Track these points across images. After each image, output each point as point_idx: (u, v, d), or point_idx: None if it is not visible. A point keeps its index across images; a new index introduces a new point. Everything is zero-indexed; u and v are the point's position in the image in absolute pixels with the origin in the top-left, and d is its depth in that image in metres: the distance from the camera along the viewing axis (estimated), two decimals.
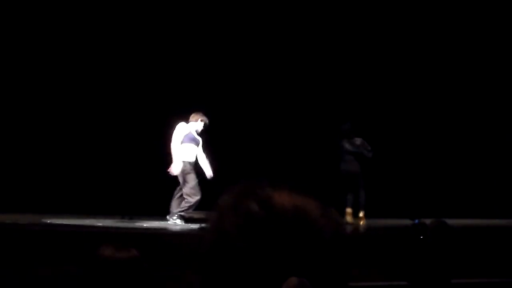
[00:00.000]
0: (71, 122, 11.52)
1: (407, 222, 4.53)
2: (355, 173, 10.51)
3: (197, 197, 8.76)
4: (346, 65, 12.84)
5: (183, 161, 8.91)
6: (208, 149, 9.45)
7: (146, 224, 9.12)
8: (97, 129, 11.50)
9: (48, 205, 10.25)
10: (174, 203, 9.01)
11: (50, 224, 8.32)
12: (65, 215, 9.47)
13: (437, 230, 4.11)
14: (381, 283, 6.31)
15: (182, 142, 8.99)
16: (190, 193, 8.82)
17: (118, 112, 11.50)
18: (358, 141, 10.58)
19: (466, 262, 5.67)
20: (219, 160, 9.50)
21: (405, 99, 13.09)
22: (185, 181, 8.87)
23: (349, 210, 10.38)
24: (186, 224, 8.77)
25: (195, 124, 9.19)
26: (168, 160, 9.04)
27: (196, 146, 9.10)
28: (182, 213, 8.86)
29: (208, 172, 9.03)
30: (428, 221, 4.33)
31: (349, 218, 10.29)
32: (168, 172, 8.87)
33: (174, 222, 8.84)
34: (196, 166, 9.08)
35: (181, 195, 8.94)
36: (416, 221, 4.20)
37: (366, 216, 10.51)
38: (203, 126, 9.24)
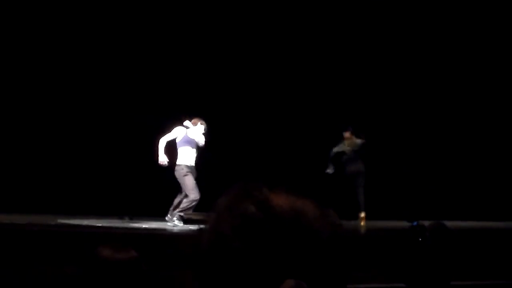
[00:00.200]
0: (72, 123, 11.52)
1: (406, 224, 4.53)
2: (360, 172, 10.67)
3: (196, 197, 8.81)
4: (346, 66, 12.85)
5: (180, 164, 8.99)
6: (208, 149, 9.47)
7: (145, 224, 9.15)
8: (97, 129, 11.50)
9: (48, 206, 10.25)
10: (173, 211, 9.07)
11: (50, 224, 8.31)
12: (64, 215, 9.47)
13: (435, 232, 4.11)
14: (380, 285, 6.31)
15: (178, 146, 9.10)
16: (189, 194, 8.89)
17: (118, 114, 11.51)
18: (359, 141, 10.74)
19: (465, 264, 5.67)
20: (217, 161, 9.51)
21: (404, 101, 13.10)
22: (183, 183, 8.95)
23: (363, 214, 10.55)
24: (185, 225, 8.79)
25: (195, 128, 9.23)
26: (169, 161, 9.14)
27: (193, 149, 9.15)
28: (181, 214, 8.90)
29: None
30: (426, 223, 4.33)
31: (363, 223, 10.45)
32: (159, 164, 9.05)
33: (173, 223, 8.86)
34: (195, 168, 9.15)
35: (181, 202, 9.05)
36: (415, 223, 4.20)
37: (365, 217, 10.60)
38: (204, 130, 9.28)
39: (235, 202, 0.95)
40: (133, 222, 9.42)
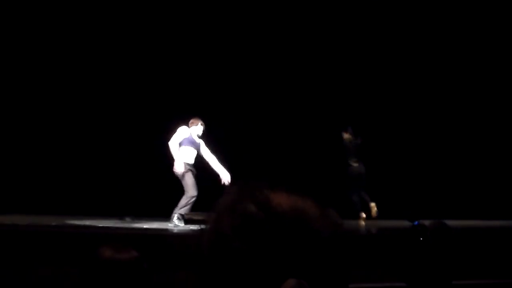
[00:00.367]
0: (72, 123, 11.53)
1: (407, 223, 4.52)
2: (363, 173, 10.70)
3: (194, 194, 8.99)
4: (346, 67, 12.85)
5: (185, 162, 9.12)
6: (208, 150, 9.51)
7: (146, 225, 9.16)
8: (99, 130, 11.51)
9: (49, 206, 10.26)
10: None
11: (51, 225, 8.32)
12: (65, 216, 9.48)
13: (437, 231, 4.11)
14: (381, 285, 6.31)
15: (181, 144, 9.22)
16: (187, 190, 9.07)
17: (120, 114, 11.52)
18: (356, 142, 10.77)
19: (467, 264, 5.67)
20: (218, 161, 9.53)
21: (404, 101, 13.10)
22: (183, 179, 9.11)
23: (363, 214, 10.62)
24: (186, 225, 8.82)
25: (196, 128, 9.39)
26: (169, 161, 9.14)
27: (195, 150, 9.32)
28: (181, 212, 8.98)
29: (223, 175, 9.15)
30: (427, 222, 4.33)
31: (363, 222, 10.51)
32: (174, 171, 9.06)
33: (174, 223, 8.91)
34: (195, 168, 9.26)
35: None
36: (416, 222, 4.19)
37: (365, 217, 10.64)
38: (200, 131, 9.46)
39: (236, 202, 0.95)
40: (134, 223, 9.44)
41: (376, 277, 6.31)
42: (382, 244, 7.05)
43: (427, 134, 13.15)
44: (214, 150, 9.52)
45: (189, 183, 9.04)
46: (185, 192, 9.06)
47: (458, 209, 11.69)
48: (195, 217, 8.63)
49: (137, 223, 9.41)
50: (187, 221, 8.89)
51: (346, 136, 10.93)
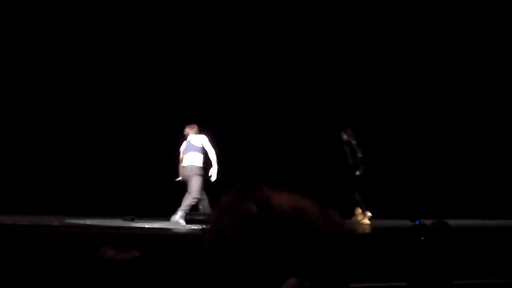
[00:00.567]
0: (74, 123, 11.54)
1: (408, 223, 4.52)
2: (361, 174, 10.73)
3: (197, 196, 9.13)
4: (346, 67, 12.85)
5: (194, 165, 9.29)
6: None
7: (148, 225, 9.17)
8: (101, 130, 11.52)
9: (51, 206, 10.26)
10: None
11: (52, 225, 8.32)
12: (67, 216, 9.49)
13: (438, 231, 4.11)
14: (382, 284, 6.31)
15: (191, 151, 9.43)
16: (191, 191, 9.19)
17: (123, 115, 11.53)
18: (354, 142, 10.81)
19: (467, 263, 5.67)
20: (219, 161, 9.55)
21: (405, 100, 13.09)
22: (191, 182, 9.26)
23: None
24: (187, 225, 8.83)
25: (193, 134, 9.60)
26: (174, 162, 9.25)
27: (202, 154, 9.50)
28: (184, 212, 9.07)
29: (212, 170, 9.42)
30: (428, 222, 4.33)
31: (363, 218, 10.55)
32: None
33: (177, 221, 8.98)
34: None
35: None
36: (417, 222, 4.19)
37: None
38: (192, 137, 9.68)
39: (236, 202, 0.95)
40: (135, 222, 9.45)
41: (377, 276, 6.31)
42: (383, 243, 7.06)
43: (428, 135, 13.15)
44: (214, 150, 9.54)
45: (196, 187, 9.18)
46: (188, 193, 9.15)
47: (459, 208, 11.69)
48: (196, 217, 8.66)
49: (138, 223, 9.42)
50: (188, 221, 8.92)
51: (345, 136, 10.93)
